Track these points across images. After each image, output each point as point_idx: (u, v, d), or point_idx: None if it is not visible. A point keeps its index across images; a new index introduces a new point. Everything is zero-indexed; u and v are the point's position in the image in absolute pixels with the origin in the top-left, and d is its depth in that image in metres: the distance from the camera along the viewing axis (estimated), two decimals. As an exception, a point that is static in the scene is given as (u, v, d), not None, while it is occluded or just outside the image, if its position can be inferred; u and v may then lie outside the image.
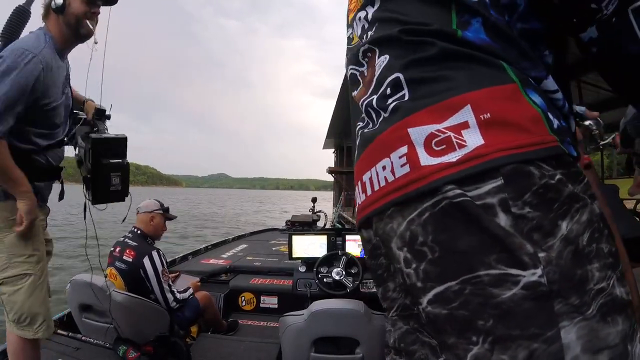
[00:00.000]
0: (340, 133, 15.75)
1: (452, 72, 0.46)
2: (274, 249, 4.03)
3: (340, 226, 5.47)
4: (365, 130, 0.56)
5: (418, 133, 0.45)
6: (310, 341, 1.37)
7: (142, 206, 2.11)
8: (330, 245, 2.49)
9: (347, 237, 2.51)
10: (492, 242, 0.40)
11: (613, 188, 1.52)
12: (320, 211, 4.20)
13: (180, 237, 11.32)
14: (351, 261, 2.25)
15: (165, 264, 2.00)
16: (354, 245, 2.48)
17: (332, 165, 20.36)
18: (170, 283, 2.03)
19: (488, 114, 0.43)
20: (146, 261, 1.93)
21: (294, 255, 2.54)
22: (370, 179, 0.52)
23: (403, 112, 0.48)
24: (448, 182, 0.42)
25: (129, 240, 2.01)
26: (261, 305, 2.77)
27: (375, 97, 0.53)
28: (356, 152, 0.59)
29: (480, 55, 0.46)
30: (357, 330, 1.35)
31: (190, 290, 2.16)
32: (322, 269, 2.23)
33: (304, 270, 2.46)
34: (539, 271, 0.39)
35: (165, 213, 2.14)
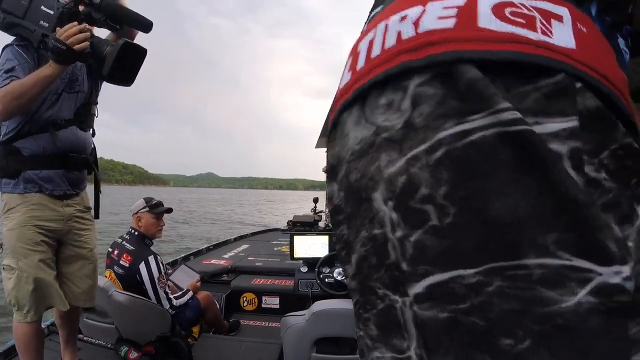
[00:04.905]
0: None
1: None
2: (275, 249, 4.03)
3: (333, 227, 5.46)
4: None
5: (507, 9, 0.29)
6: (312, 341, 1.37)
7: (132, 208, 2.09)
8: (332, 246, 2.49)
9: (349, 237, 2.50)
10: (558, 210, 0.24)
11: None
12: (321, 211, 4.20)
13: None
14: (353, 261, 2.24)
15: (162, 270, 1.97)
16: (355, 246, 2.48)
17: (324, 164, 20.39)
18: (167, 290, 2.00)
19: (585, 29, 0.29)
20: (142, 267, 1.91)
21: (295, 256, 2.53)
22: (372, 40, 0.33)
23: None
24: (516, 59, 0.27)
25: (126, 244, 1.99)
26: (263, 305, 2.77)
27: None
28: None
29: None
30: None
31: (190, 294, 2.14)
32: (323, 269, 2.23)
33: (305, 271, 2.45)
34: (626, 270, 0.24)
35: (152, 209, 2.05)
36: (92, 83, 1.45)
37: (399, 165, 0.29)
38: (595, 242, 0.24)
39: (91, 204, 1.52)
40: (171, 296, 2.00)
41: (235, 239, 4.71)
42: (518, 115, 0.25)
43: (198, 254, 3.65)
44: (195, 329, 2.26)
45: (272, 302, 2.76)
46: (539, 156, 0.25)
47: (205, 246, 3.96)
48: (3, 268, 1.30)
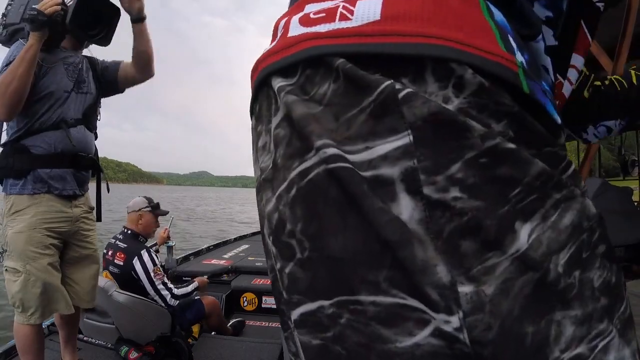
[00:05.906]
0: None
1: None
2: None
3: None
4: None
5: (310, 8, 0.30)
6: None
7: (130, 205, 2.08)
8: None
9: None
10: (382, 248, 0.23)
11: (626, 190, 1.42)
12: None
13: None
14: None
15: (157, 261, 1.96)
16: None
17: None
18: (165, 280, 1.98)
19: None
20: (136, 262, 1.90)
21: (295, 256, 2.53)
22: None
23: None
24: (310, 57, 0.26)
25: (119, 243, 1.98)
26: (263, 305, 2.77)
27: None
28: None
29: None
30: None
31: (195, 284, 2.12)
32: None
33: (305, 271, 2.45)
34: (454, 320, 0.21)
35: (154, 210, 2.07)
36: (98, 85, 1.48)
37: (272, 204, 0.29)
38: (417, 288, 0.21)
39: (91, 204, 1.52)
40: (171, 285, 1.98)
41: (235, 239, 4.71)
42: (333, 151, 0.24)
43: (198, 254, 3.65)
44: (195, 329, 2.26)
45: (273, 302, 2.74)
46: (352, 193, 0.23)
47: (206, 246, 3.96)
48: (6, 270, 1.29)
